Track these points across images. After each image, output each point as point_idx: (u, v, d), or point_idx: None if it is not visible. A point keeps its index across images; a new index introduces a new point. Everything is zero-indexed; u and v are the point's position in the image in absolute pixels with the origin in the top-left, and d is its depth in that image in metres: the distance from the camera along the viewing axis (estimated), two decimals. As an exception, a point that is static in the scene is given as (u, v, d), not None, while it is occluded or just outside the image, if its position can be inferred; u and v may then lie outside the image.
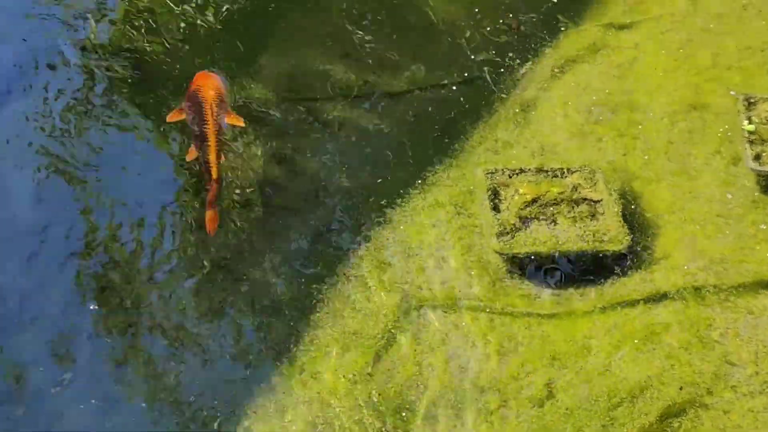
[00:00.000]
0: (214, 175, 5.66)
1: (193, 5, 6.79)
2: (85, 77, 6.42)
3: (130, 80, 6.42)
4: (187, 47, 6.59)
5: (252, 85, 6.40)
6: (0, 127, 6.15)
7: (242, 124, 5.93)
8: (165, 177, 6.02)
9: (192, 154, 5.77)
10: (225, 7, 6.77)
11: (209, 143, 5.69)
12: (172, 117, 5.94)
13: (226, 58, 6.51)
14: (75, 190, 5.90)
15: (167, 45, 6.59)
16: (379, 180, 6.05)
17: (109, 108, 6.29)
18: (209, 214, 5.67)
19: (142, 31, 6.65)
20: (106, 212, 5.80)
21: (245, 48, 6.60)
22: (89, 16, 6.71)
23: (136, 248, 5.68)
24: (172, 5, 6.77)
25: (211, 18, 6.71)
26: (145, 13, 6.75)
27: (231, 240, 5.76)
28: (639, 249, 5.64)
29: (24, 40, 6.56)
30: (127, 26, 6.67)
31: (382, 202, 5.94)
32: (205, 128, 5.72)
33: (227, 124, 5.85)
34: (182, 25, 6.71)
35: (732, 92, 6.16)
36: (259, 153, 6.11)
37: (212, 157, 5.67)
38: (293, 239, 5.80)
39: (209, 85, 5.90)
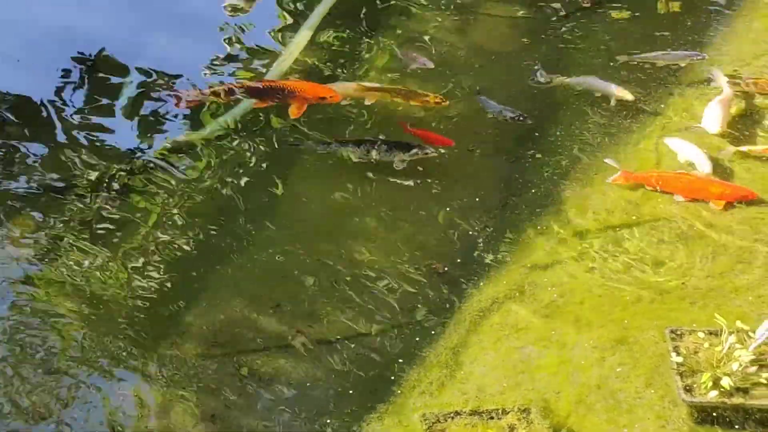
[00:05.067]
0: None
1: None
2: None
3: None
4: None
5: (182, 343, 6.37)
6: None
7: None
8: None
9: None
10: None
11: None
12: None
13: (152, 321, 6.51)
14: None
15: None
16: (315, 431, 5.97)
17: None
18: None
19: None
20: None
21: (174, 307, 6.63)
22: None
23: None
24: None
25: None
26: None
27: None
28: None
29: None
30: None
31: (319, 454, 5.86)
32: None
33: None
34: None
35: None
36: (193, 411, 6.02)
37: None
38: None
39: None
